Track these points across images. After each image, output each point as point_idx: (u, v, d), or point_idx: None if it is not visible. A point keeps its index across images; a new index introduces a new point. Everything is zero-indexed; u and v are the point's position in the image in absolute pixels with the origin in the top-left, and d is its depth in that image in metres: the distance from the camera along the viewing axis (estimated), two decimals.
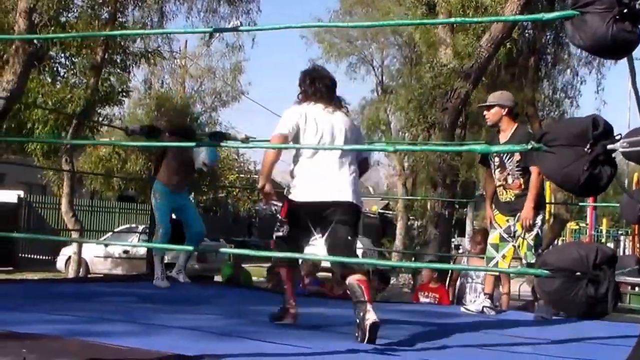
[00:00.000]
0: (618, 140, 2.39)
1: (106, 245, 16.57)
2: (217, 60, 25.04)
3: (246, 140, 6.81)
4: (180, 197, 6.40)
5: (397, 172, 24.87)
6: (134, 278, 7.89)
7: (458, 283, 7.19)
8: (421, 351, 3.59)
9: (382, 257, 25.48)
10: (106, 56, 13.58)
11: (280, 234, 4.12)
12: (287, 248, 4.02)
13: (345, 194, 3.93)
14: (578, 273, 2.31)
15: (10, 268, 17.60)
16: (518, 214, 5.13)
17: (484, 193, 5.87)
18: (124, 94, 15.47)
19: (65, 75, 14.31)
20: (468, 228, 20.96)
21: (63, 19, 12.88)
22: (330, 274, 7.61)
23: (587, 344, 4.13)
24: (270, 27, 3.44)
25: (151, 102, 21.72)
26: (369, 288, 3.69)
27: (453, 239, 20.09)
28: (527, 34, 13.96)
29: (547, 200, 10.24)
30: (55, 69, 14.26)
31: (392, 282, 12.72)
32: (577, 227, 22.01)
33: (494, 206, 5.38)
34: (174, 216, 6.48)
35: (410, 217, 23.20)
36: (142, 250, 13.77)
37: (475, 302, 5.69)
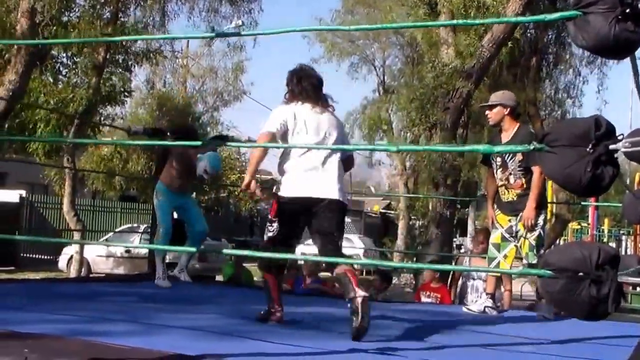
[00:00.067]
0: (620, 141, 2.39)
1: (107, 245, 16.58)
2: (219, 59, 25.10)
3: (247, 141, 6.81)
4: (183, 197, 6.40)
5: (399, 172, 24.83)
6: (136, 278, 7.90)
7: (460, 283, 7.19)
8: (422, 351, 3.59)
9: (384, 257, 25.49)
10: (108, 56, 13.60)
11: (271, 234, 4.15)
12: (276, 251, 4.04)
13: (331, 191, 4.04)
14: (581, 273, 2.30)
15: (12, 268, 17.62)
16: (520, 214, 5.13)
17: (486, 193, 5.87)
18: (126, 93, 15.47)
19: (67, 75, 14.32)
20: (470, 228, 20.96)
21: (65, 19, 12.88)
22: (330, 273, 7.62)
23: (588, 344, 4.12)
24: (271, 31, 3.42)
25: (153, 101, 21.74)
26: (355, 276, 3.81)
27: (455, 239, 20.07)
28: (529, 34, 13.94)
29: (549, 200, 10.22)
30: (57, 68, 14.28)
31: (394, 281, 12.74)
32: (579, 226, 21.97)
33: (495, 206, 5.38)
34: (175, 216, 6.48)
35: (412, 217, 23.17)
36: (143, 250, 13.78)
37: (477, 302, 5.69)
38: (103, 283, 7.59)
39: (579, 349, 3.94)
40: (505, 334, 4.38)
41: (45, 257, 19.22)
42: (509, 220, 5.24)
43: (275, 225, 4.13)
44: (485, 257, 5.67)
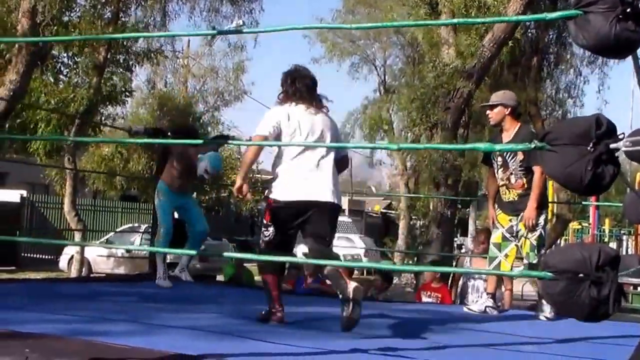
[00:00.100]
0: (621, 140, 2.38)
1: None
2: (220, 59, 25.09)
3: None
4: (184, 197, 6.41)
5: (400, 172, 24.83)
6: (137, 277, 7.90)
7: (460, 282, 7.18)
8: (423, 351, 3.59)
9: (385, 256, 25.48)
10: (109, 56, 13.60)
11: (267, 239, 4.16)
12: (275, 254, 4.05)
13: (326, 194, 4.07)
14: (581, 275, 2.30)
15: (13, 267, 17.64)
16: (521, 214, 5.12)
17: (487, 193, 5.86)
18: (127, 93, 15.47)
19: (68, 75, 14.33)
20: (471, 228, 20.92)
21: (66, 19, 12.88)
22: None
23: (589, 344, 4.12)
24: (272, 28, 3.42)
25: (154, 101, 21.75)
26: (344, 271, 3.90)
27: (455, 239, 20.05)
28: (529, 34, 13.93)
29: (550, 200, 10.22)
30: (58, 68, 14.29)
31: (394, 281, 12.73)
32: (580, 226, 21.99)
33: (496, 206, 5.38)
34: (176, 215, 6.49)
35: (413, 217, 23.17)
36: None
37: (478, 302, 5.68)
38: (104, 283, 7.59)
39: (580, 348, 3.93)
40: (506, 333, 4.38)
41: (46, 257, 19.23)
42: (510, 220, 5.23)
43: (270, 230, 4.15)
44: (486, 257, 5.67)
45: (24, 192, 20.36)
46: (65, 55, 14.20)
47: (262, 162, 18.28)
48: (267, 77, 68.60)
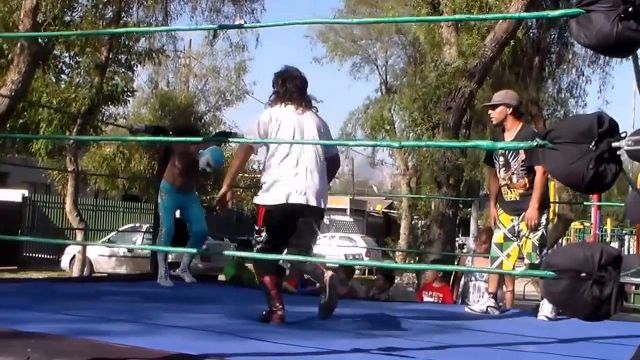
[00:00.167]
0: (623, 138, 2.38)
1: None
2: (222, 59, 25.05)
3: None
4: (187, 196, 6.42)
5: (401, 172, 24.85)
6: (138, 277, 7.91)
7: (462, 282, 7.18)
8: (424, 350, 3.58)
9: (386, 256, 25.48)
10: (111, 55, 13.61)
11: (260, 245, 4.19)
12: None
13: (312, 198, 4.13)
14: (583, 274, 2.29)
15: (15, 267, 17.65)
16: (523, 214, 5.12)
17: (489, 192, 5.86)
18: (129, 93, 15.48)
19: (70, 75, 14.34)
20: (472, 227, 20.90)
21: (67, 19, 12.90)
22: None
23: (590, 344, 4.11)
24: (274, 23, 3.43)
25: (155, 101, 21.76)
26: (326, 268, 3.99)
27: (457, 238, 20.05)
28: (531, 34, 13.92)
29: (552, 200, 10.22)
30: (59, 68, 14.30)
31: (396, 281, 12.72)
32: (582, 226, 21.96)
33: (498, 205, 5.37)
34: (178, 215, 6.49)
35: (415, 217, 23.17)
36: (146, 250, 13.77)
37: (479, 301, 5.68)
38: (105, 282, 7.60)
39: (581, 348, 3.93)
40: (507, 333, 4.37)
41: (48, 256, 19.24)
42: (512, 220, 5.23)
43: (263, 234, 4.18)
44: (487, 257, 5.66)
45: (26, 192, 20.38)
46: (67, 55, 14.22)
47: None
48: (269, 76, 68.44)
